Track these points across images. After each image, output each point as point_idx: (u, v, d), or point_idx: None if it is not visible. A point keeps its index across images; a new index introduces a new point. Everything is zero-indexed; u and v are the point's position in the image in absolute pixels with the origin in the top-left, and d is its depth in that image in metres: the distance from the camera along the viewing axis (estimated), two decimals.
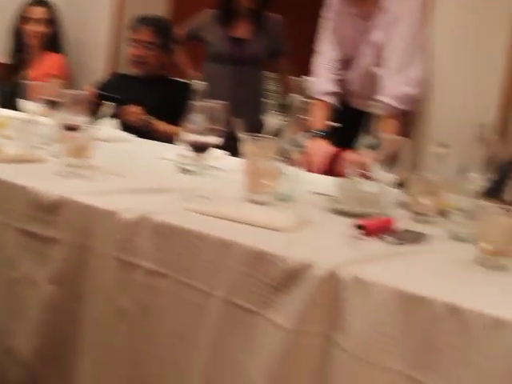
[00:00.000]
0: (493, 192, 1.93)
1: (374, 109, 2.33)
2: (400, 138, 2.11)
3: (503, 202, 1.90)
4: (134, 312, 1.62)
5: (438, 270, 1.52)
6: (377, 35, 3.11)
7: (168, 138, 3.16)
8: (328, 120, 3.27)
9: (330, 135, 3.17)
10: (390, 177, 1.99)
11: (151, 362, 1.60)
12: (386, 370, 1.32)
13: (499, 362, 1.23)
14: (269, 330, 1.44)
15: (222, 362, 1.51)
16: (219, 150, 2.25)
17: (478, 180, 1.85)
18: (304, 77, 3.26)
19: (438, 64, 3.22)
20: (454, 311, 1.28)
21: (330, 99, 3.33)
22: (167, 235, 1.61)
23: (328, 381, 1.39)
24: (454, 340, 1.28)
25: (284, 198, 1.95)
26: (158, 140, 3.11)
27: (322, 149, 3.03)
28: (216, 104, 1.90)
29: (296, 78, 4.20)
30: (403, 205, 2.03)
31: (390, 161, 1.99)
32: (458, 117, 3.18)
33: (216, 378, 1.52)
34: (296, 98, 2.15)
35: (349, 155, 3.01)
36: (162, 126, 3.76)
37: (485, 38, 3.13)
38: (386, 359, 1.33)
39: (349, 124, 3.23)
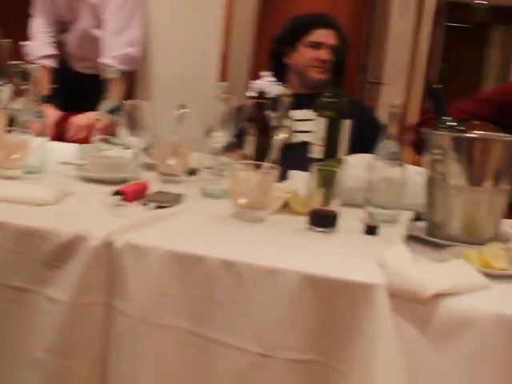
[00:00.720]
0: (233, 148, 2.04)
1: (100, 72, 2.34)
2: (140, 101, 2.15)
3: (243, 156, 2.03)
4: None
5: (202, 228, 1.60)
6: None
7: None
8: (49, 84, 3.22)
9: (54, 99, 3.12)
10: (133, 140, 2.03)
11: None
12: (171, 329, 1.38)
13: (274, 309, 1.33)
14: (48, 306, 1.43)
15: (1, 344, 1.48)
16: None
17: (221, 137, 1.94)
18: (22, 42, 3.18)
19: (155, 22, 3.29)
20: (227, 265, 1.36)
21: (49, 62, 3.28)
22: None
23: (114, 348, 1.42)
24: (232, 293, 1.36)
25: (34, 171, 1.91)
26: None
27: (48, 114, 2.98)
28: None
29: (6, 41, 4.04)
30: (150, 167, 2.08)
31: (132, 124, 2.02)
32: (180, 73, 3.28)
33: None
34: (32, 66, 2.10)
35: (76, 119, 3.00)
36: None
37: None
38: (170, 319, 1.38)
39: (73, 87, 3.21)
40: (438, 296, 1.27)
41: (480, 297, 1.30)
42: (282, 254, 1.43)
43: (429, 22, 6.13)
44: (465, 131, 1.71)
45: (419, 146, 1.99)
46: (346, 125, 1.84)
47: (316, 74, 2.87)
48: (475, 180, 1.58)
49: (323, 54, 2.85)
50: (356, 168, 1.85)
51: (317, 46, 2.86)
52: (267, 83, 2.33)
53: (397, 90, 5.73)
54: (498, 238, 1.60)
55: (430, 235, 1.65)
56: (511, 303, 1.29)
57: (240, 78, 3.40)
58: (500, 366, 1.22)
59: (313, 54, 2.86)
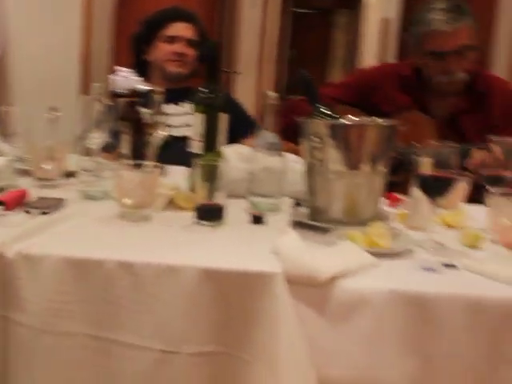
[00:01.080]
0: (110, 148, 2.03)
1: None
2: (8, 106, 2.09)
3: (120, 155, 2.02)
4: None
5: (92, 231, 1.58)
6: None
7: None
8: None
9: None
10: (5, 147, 1.98)
11: None
12: (71, 335, 1.36)
13: (175, 305, 1.35)
14: None
15: None
16: None
17: (97, 138, 1.92)
18: None
19: (13, 25, 3.21)
20: (125, 266, 1.36)
21: None
22: None
23: (14, 360, 1.39)
24: (132, 294, 1.36)
25: None
26: None
27: None
28: None
29: None
30: (25, 173, 2.03)
31: (2, 131, 1.98)
32: (42, 75, 3.21)
33: None
34: None
35: None
36: None
37: None
38: (70, 325, 1.36)
39: None
40: (333, 278, 1.33)
41: (371, 275, 1.37)
42: (176, 251, 1.44)
43: (276, 9, 6.26)
44: (339, 118, 1.77)
45: (287, 133, 2.04)
46: (223, 118, 1.87)
47: (173, 68, 2.91)
48: (353, 164, 1.65)
49: (179, 47, 2.89)
50: (235, 159, 1.88)
51: (172, 39, 2.91)
52: (123, 78, 2.32)
53: (250, 78, 5.83)
54: (378, 217, 1.67)
55: (313, 220, 1.70)
56: (400, 278, 1.37)
57: (102, 76, 3.36)
58: (397, 338, 1.29)
59: (169, 47, 2.90)
